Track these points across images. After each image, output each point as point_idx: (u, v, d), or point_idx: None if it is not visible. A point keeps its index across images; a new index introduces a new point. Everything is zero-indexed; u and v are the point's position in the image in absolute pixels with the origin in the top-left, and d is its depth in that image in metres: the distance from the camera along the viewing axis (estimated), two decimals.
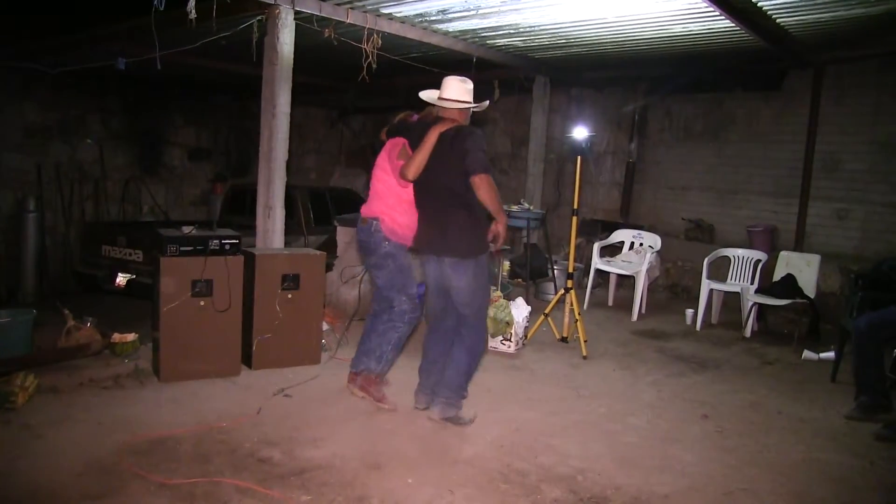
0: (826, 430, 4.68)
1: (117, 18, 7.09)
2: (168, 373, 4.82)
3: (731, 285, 7.55)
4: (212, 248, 4.90)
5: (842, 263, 7.74)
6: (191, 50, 6.69)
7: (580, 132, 6.35)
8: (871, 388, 4.81)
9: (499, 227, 4.20)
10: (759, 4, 5.97)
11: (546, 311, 6.54)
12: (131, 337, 5.28)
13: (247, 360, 5.18)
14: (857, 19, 6.41)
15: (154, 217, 11.94)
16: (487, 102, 4.53)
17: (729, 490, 3.70)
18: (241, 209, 8.83)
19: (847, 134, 8.14)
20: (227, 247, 4.96)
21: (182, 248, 4.82)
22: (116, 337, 5.23)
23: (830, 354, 6.11)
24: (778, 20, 6.46)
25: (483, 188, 4.08)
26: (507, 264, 7.89)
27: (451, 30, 7.43)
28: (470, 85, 4.37)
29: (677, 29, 6.86)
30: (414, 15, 6.85)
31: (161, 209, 12.38)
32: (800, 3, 5.95)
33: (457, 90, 4.34)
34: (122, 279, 7.35)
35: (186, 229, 4.99)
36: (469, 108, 4.36)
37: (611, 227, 9.34)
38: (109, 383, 4.76)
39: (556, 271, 8.38)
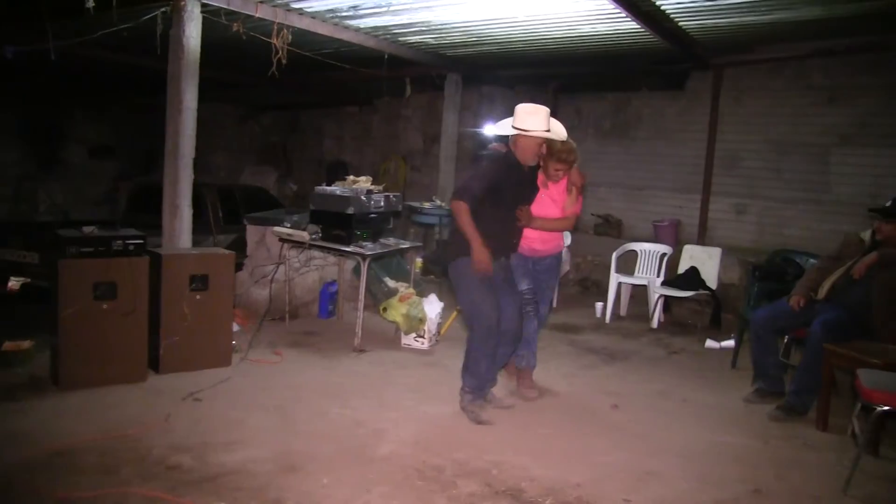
0: (727, 414, 4.91)
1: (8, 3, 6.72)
2: (68, 380, 4.60)
3: (638, 278, 7.77)
4: (115, 248, 4.70)
5: (740, 256, 8.05)
6: (92, 41, 6.42)
7: (491, 129, 6.40)
8: (767, 375, 5.18)
9: (471, 253, 4.36)
10: (663, 7, 6.16)
11: (458, 307, 6.56)
12: (26, 345, 5.04)
13: (154, 364, 5.01)
14: (750, 26, 6.71)
15: (52, 217, 11.42)
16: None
17: (639, 476, 3.81)
18: (148, 208, 8.54)
19: (745, 133, 8.47)
20: (132, 247, 4.77)
21: (82, 249, 4.61)
22: (9, 345, 4.99)
23: (731, 343, 6.39)
24: (680, 23, 6.68)
25: (453, 212, 4.47)
26: (419, 261, 7.90)
27: (362, 26, 7.37)
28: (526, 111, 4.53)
29: (586, 29, 6.98)
30: (325, 10, 6.76)
31: (60, 208, 11.85)
32: (700, 8, 6.17)
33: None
34: (14, 283, 6.98)
35: (87, 229, 4.78)
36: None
37: None
38: (2, 395, 4.50)
39: None
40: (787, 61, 8.02)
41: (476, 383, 4.58)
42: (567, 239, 8.31)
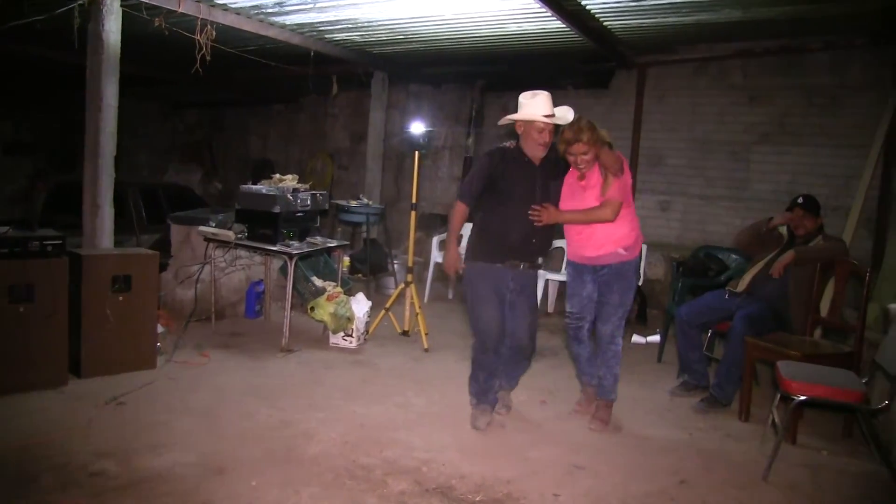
0: (654, 407, 5.06)
1: None
2: None
3: (565, 275, 7.87)
4: (32, 249, 4.56)
5: (665, 252, 8.28)
6: (3, 34, 6.19)
7: (418, 127, 6.43)
8: (691, 368, 5.35)
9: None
10: (588, 7, 6.28)
11: (387, 306, 6.59)
12: None
13: (75, 368, 4.87)
14: (673, 26, 6.91)
15: None
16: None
17: (568, 470, 3.89)
18: (67, 207, 8.29)
19: (668, 131, 8.68)
20: (50, 248, 4.63)
21: None
22: None
23: (656, 338, 6.58)
24: (605, 23, 6.83)
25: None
26: (346, 260, 7.87)
27: (288, 23, 7.30)
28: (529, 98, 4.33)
29: (512, 28, 7.07)
30: (250, 7, 6.68)
31: None
32: (624, 8, 6.31)
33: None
34: None
35: (2, 230, 4.61)
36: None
37: None
38: None
39: (396, 266, 8.45)
40: (709, 61, 8.25)
41: (477, 389, 4.50)
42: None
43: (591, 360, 4.69)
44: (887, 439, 4.27)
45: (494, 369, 4.46)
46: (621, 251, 4.41)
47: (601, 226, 4.35)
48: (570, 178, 4.46)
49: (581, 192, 4.39)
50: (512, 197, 4.28)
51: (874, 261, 6.69)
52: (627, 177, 4.39)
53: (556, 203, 4.39)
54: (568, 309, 4.64)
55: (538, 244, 4.40)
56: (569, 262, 4.61)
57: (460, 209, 4.31)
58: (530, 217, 4.25)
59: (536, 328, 4.60)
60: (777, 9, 6.18)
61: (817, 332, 5.16)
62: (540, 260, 4.50)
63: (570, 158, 4.29)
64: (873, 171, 6.95)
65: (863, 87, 7.32)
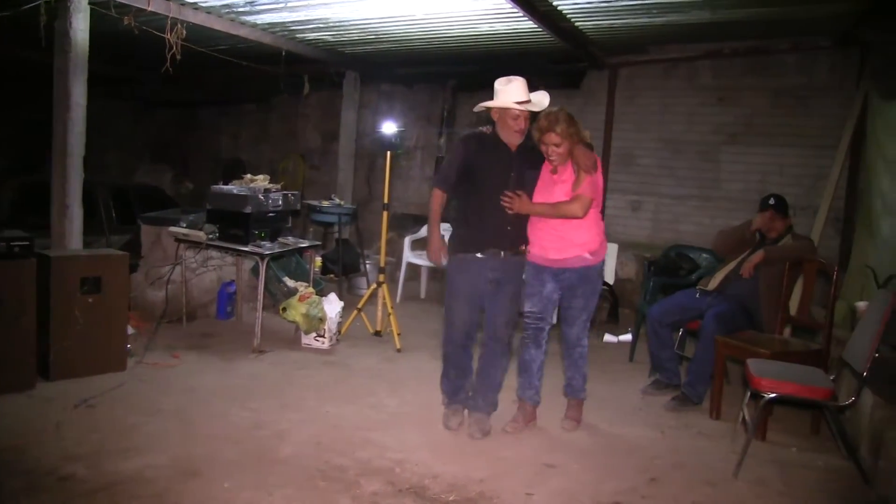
0: (626, 406, 5.10)
1: None
2: None
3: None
4: None
5: (637, 251, 8.34)
6: None
7: (389, 127, 6.42)
8: (663, 367, 5.38)
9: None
10: (559, 7, 6.31)
11: (359, 306, 6.57)
12: None
13: (43, 370, 4.80)
14: (643, 27, 6.96)
15: None
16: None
17: (540, 469, 3.91)
18: (35, 208, 8.17)
19: (639, 131, 8.73)
20: (17, 249, 4.56)
21: None
22: None
23: (628, 337, 6.63)
24: (576, 23, 6.86)
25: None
26: (318, 260, 7.84)
27: (259, 22, 7.26)
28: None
29: (484, 28, 7.08)
30: (220, 6, 6.63)
31: None
32: (595, 9, 6.34)
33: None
34: None
35: None
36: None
37: (422, 221, 9.47)
38: None
39: (368, 266, 8.43)
40: (679, 62, 8.32)
41: (449, 387, 4.46)
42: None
43: (541, 369, 4.53)
44: (854, 435, 4.34)
45: (464, 367, 4.43)
46: (586, 255, 4.29)
47: (566, 228, 4.22)
48: (544, 171, 4.33)
49: (552, 185, 4.26)
50: (486, 183, 4.20)
51: (842, 260, 6.80)
52: (599, 178, 4.27)
53: (530, 192, 4.27)
54: (527, 308, 4.40)
55: (514, 231, 4.28)
56: (528, 262, 4.38)
57: (437, 196, 4.26)
58: (502, 203, 4.16)
59: (516, 319, 4.46)
60: (744, 11, 6.25)
61: (787, 331, 5.24)
62: (522, 247, 4.35)
63: (543, 148, 4.17)
64: (840, 171, 7.05)
65: (829, 88, 7.43)
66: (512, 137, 4.20)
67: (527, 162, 4.27)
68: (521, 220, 4.30)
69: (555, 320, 4.58)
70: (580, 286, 4.34)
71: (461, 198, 4.32)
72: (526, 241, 4.34)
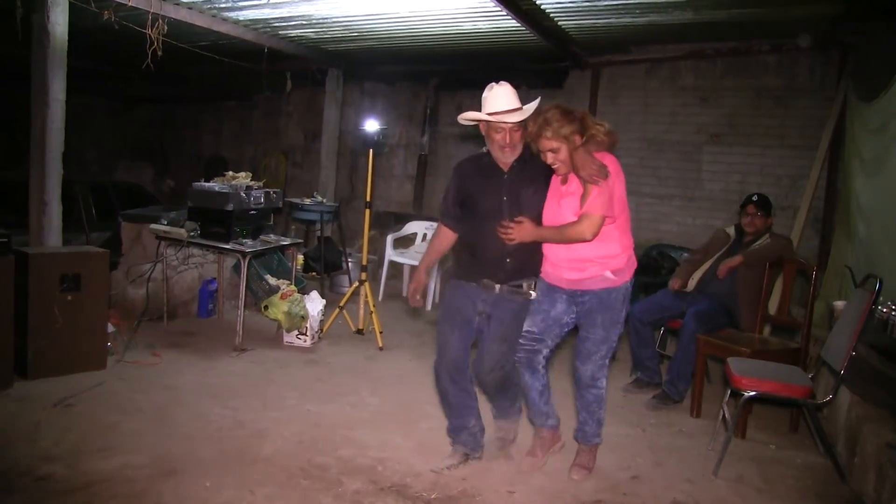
0: (607, 404, 5.00)
1: None
2: None
3: None
4: None
5: None
6: None
7: (372, 125, 6.41)
8: (644, 365, 5.43)
9: None
10: (543, 7, 6.32)
11: (341, 304, 6.56)
12: None
13: (21, 369, 4.75)
14: (626, 27, 6.98)
15: None
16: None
17: (521, 467, 3.92)
18: (13, 205, 8.09)
19: (621, 131, 8.67)
20: None
21: None
22: None
23: None
24: (559, 22, 6.88)
25: None
26: (300, 258, 7.82)
27: (241, 18, 7.22)
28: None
29: (467, 26, 7.07)
30: (202, 1, 6.59)
31: None
32: (578, 9, 6.36)
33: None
34: None
35: None
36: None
37: (404, 220, 9.50)
38: None
39: (350, 264, 8.41)
40: (662, 62, 8.36)
41: (449, 425, 4.02)
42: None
43: (544, 395, 3.89)
44: (831, 432, 4.40)
45: (461, 407, 3.90)
46: (608, 275, 3.61)
47: (583, 243, 3.55)
48: (554, 182, 3.69)
49: (559, 199, 3.62)
50: (477, 211, 3.71)
51: (821, 259, 6.87)
52: (617, 184, 3.53)
53: (536, 213, 3.66)
54: (526, 328, 3.74)
55: (513, 263, 3.69)
56: (540, 280, 3.78)
57: (439, 230, 3.95)
58: (500, 235, 3.58)
59: (505, 364, 3.79)
60: (725, 11, 6.29)
61: (766, 329, 5.29)
62: (525, 284, 3.76)
63: (542, 157, 3.54)
64: (820, 172, 7.12)
65: (810, 90, 7.50)
66: (501, 154, 3.63)
67: (524, 180, 3.67)
68: (524, 250, 3.66)
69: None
70: (600, 313, 3.65)
71: (463, 226, 3.85)
72: (536, 275, 3.78)
